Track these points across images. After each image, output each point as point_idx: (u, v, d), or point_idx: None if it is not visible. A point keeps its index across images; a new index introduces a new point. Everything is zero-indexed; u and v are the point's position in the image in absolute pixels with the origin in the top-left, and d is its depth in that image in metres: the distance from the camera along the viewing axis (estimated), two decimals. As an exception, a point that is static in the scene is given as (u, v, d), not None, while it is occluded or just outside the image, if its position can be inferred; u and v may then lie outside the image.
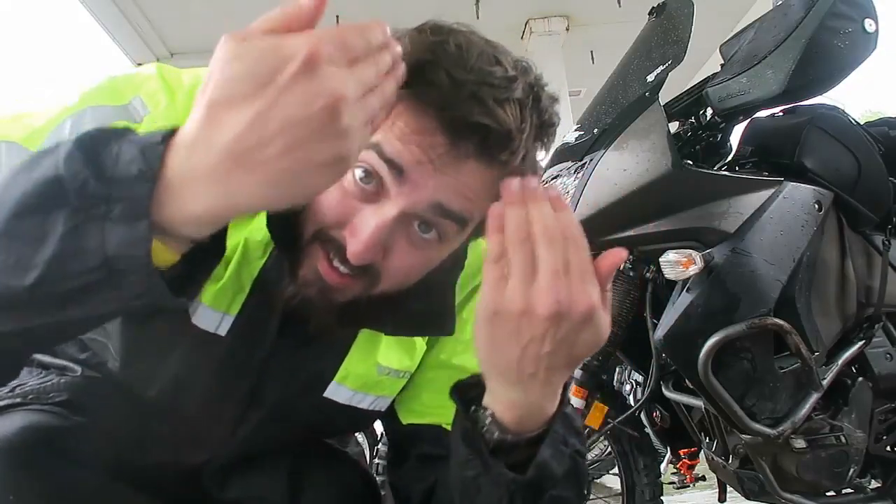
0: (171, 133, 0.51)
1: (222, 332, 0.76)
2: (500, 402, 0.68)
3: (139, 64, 5.78)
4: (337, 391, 0.83)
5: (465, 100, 0.65)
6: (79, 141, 0.51)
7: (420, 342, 0.87)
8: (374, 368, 0.84)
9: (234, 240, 0.74)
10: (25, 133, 0.69)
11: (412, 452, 0.88)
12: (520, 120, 0.67)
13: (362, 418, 0.88)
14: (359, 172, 0.67)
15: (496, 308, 0.61)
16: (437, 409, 0.87)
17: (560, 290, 0.59)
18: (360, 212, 0.68)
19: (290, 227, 0.71)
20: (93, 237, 0.49)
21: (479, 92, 0.65)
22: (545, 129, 0.72)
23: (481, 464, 0.69)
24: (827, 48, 1.54)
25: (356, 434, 1.42)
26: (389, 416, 0.91)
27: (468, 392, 0.72)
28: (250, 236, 0.74)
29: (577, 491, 0.74)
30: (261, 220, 0.74)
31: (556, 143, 1.77)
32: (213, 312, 0.75)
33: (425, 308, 0.80)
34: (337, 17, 4.73)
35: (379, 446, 2.06)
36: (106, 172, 0.50)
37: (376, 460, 1.96)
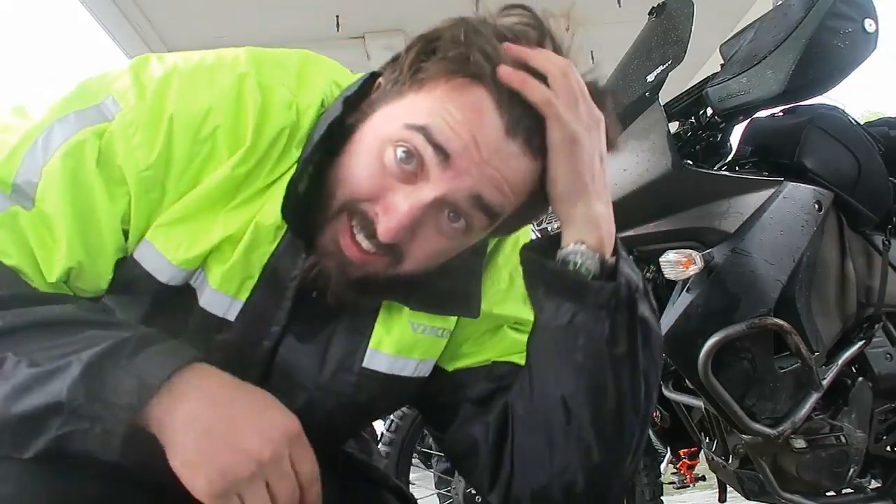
0: (171, 373, 0.64)
1: (231, 317, 0.75)
2: (584, 228, 0.74)
3: (139, 64, 5.76)
4: (375, 358, 0.80)
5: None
6: (87, 368, 0.62)
7: None
8: (407, 326, 0.81)
9: (241, 220, 0.73)
10: (3, 156, 0.70)
11: (465, 399, 0.85)
12: None
13: (406, 388, 0.84)
14: (400, 152, 0.68)
15: (573, 136, 0.69)
16: (483, 350, 0.86)
17: (592, 102, 0.72)
18: (396, 191, 0.69)
19: (307, 208, 0.72)
20: (77, 440, 0.63)
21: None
22: (610, 136, 0.74)
23: (575, 300, 0.72)
24: (827, 48, 1.54)
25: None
26: (429, 377, 0.87)
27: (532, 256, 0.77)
28: (261, 220, 0.73)
29: (654, 313, 0.77)
30: (272, 203, 0.73)
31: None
32: (222, 297, 0.74)
33: (451, 288, 0.80)
34: (337, 17, 4.73)
35: (379, 446, 2.07)
36: (100, 396, 0.62)
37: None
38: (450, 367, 0.87)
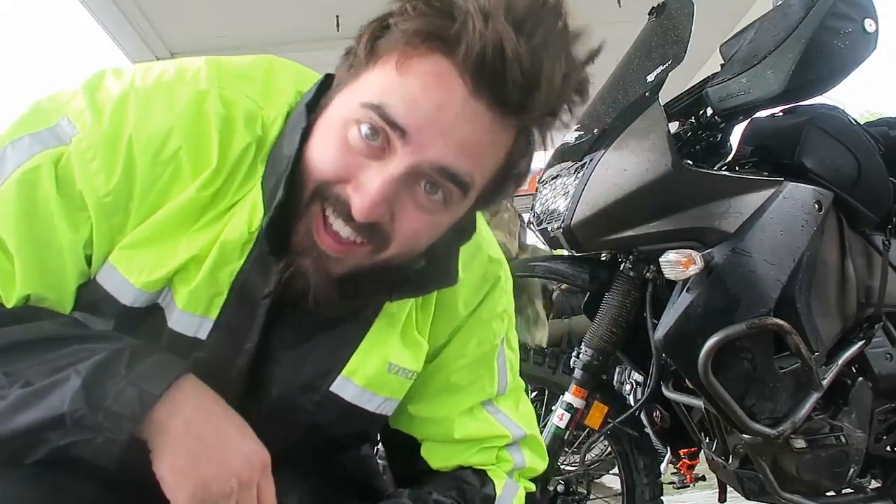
0: (171, 382, 0.66)
1: (202, 335, 0.74)
2: None
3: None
4: (344, 386, 0.79)
5: (487, 48, 0.62)
6: (88, 379, 0.63)
7: (424, 343, 0.85)
8: (384, 366, 0.81)
9: (206, 239, 0.71)
10: None
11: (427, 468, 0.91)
12: (545, 71, 0.64)
13: (369, 423, 0.85)
14: (364, 129, 0.66)
15: None
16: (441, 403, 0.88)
17: None
18: (366, 168, 0.67)
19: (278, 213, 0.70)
20: (77, 450, 0.64)
21: (504, 39, 0.62)
22: (574, 83, 0.68)
23: None
24: (827, 48, 1.54)
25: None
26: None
27: None
28: (226, 237, 0.71)
29: None
30: (237, 219, 0.72)
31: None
32: (190, 317, 0.73)
33: (428, 266, 0.79)
34: (337, 17, 4.73)
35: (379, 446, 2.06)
36: (102, 405, 0.63)
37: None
38: (411, 410, 0.88)
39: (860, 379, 1.66)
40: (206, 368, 0.73)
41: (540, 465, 0.95)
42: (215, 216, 0.72)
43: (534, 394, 3.31)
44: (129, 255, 0.70)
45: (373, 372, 0.80)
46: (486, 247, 0.88)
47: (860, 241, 1.71)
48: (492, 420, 0.90)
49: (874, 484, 1.76)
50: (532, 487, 0.94)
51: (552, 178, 1.76)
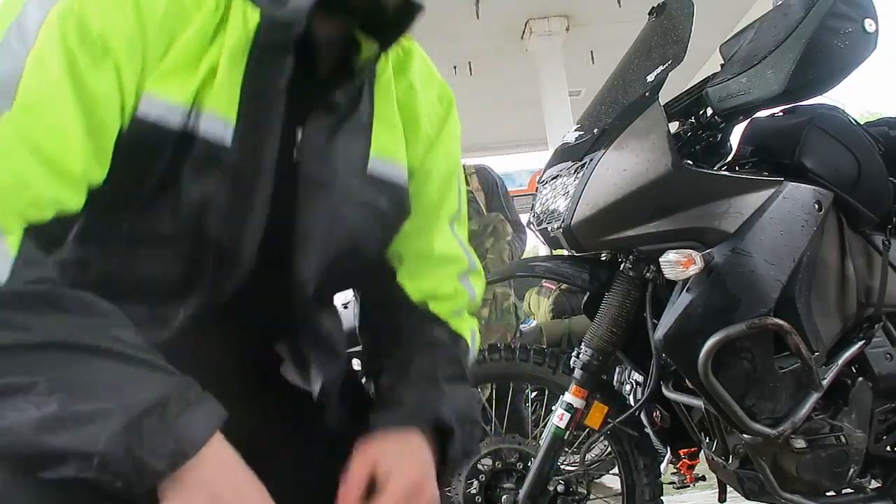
0: (207, 438, 0.65)
1: (227, 141, 0.74)
2: None
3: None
4: (376, 163, 0.85)
5: None
6: (129, 424, 0.61)
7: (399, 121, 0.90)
8: (399, 134, 0.87)
9: (214, 54, 0.73)
10: None
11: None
12: None
13: (403, 196, 0.88)
14: None
15: None
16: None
17: None
18: None
19: None
20: (91, 479, 0.61)
21: None
22: None
23: None
24: (827, 48, 1.54)
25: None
26: None
27: None
28: (229, 44, 0.74)
29: None
30: (233, 24, 0.74)
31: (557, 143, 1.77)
32: (216, 119, 0.73)
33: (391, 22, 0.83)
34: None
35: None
36: (136, 455, 0.61)
37: None
38: None
39: (860, 379, 1.66)
40: (244, 176, 0.75)
41: (481, 295, 1.01)
42: (220, 38, 0.74)
43: (534, 394, 3.31)
44: (162, 81, 0.71)
45: (391, 142, 0.86)
46: (435, 72, 0.96)
47: (860, 241, 1.71)
48: (456, 241, 0.96)
49: (874, 484, 1.76)
50: (476, 323, 1.00)
51: (552, 178, 1.76)
